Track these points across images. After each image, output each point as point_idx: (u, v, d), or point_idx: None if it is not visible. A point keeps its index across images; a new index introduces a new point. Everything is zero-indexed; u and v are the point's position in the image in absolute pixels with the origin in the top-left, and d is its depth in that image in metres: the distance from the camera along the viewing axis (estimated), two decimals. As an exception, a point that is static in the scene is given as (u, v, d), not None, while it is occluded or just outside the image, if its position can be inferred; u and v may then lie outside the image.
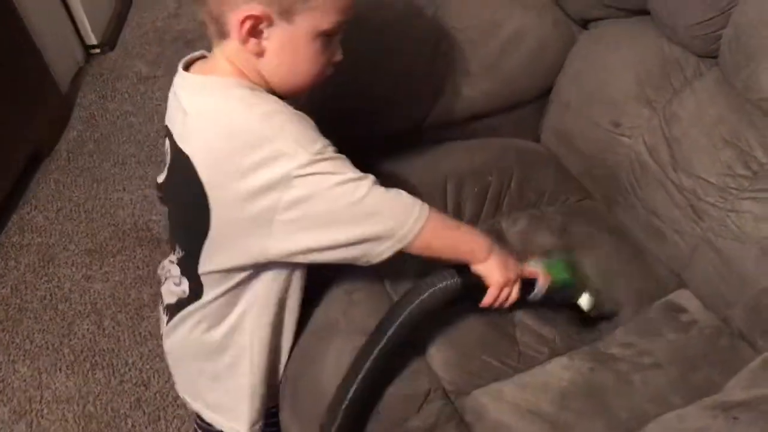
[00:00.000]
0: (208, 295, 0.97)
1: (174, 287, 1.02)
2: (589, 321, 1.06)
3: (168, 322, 1.06)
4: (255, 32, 0.82)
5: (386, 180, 1.14)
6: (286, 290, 0.97)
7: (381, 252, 0.86)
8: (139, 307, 1.74)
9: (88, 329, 1.71)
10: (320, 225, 0.84)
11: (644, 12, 1.22)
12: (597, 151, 1.25)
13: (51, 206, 2.00)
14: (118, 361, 1.65)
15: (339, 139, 1.28)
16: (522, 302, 0.97)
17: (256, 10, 0.79)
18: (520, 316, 1.06)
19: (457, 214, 1.22)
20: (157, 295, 1.76)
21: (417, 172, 1.27)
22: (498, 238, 1.19)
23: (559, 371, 1.01)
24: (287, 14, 0.81)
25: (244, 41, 0.82)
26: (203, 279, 0.96)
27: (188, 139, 0.87)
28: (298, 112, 0.86)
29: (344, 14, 0.84)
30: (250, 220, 0.84)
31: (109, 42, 2.48)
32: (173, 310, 1.04)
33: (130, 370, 1.63)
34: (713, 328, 1.06)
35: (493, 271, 0.92)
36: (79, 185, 2.06)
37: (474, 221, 1.22)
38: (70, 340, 1.70)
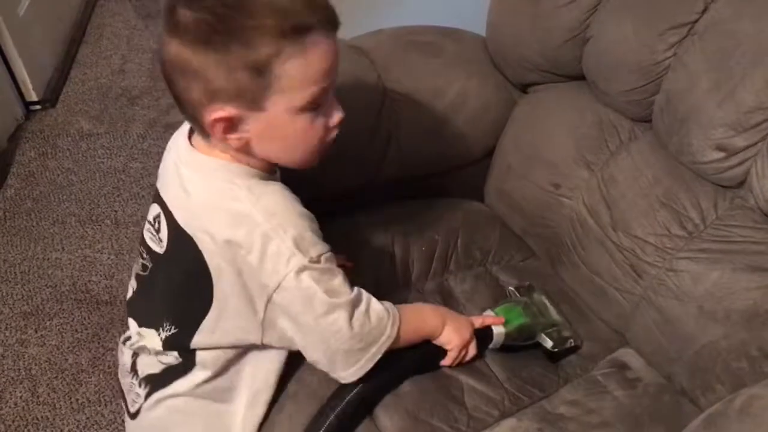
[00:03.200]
0: (206, 369, 0.96)
1: (154, 357, 0.99)
2: (555, 356, 1.10)
3: (148, 394, 1.01)
4: (231, 129, 0.81)
5: (336, 240, 1.15)
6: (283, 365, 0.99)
7: (353, 373, 0.90)
8: (76, 373, 1.68)
9: (21, 396, 1.63)
10: (299, 332, 0.87)
11: (581, 77, 1.27)
12: (539, 211, 1.28)
13: (-15, 266, 1.92)
14: (53, 430, 1.57)
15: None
16: (484, 352, 1.06)
17: (223, 111, 0.79)
18: (467, 379, 1.07)
19: (405, 273, 1.23)
20: (97, 360, 1.70)
21: (364, 231, 1.28)
22: (447, 295, 1.20)
23: (508, 433, 1.00)
24: (255, 104, 0.79)
25: (223, 140, 0.82)
26: (198, 353, 0.95)
27: (192, 221, 0.87)
28: (300, 209, 0.88)
29: (321, 82, 0.81)
30: (246, 305, 0.86)
31: (50, 98, 2.44)
32: (156, 380, 1.00)
33: (65, 439, 1.55)
34: (657, 386, 1.08)
35: (451, 339, 0.99)
36: (15, 245, 1.99)
37: (422, 279, 1.23)
38: (1, 408, 1.61)
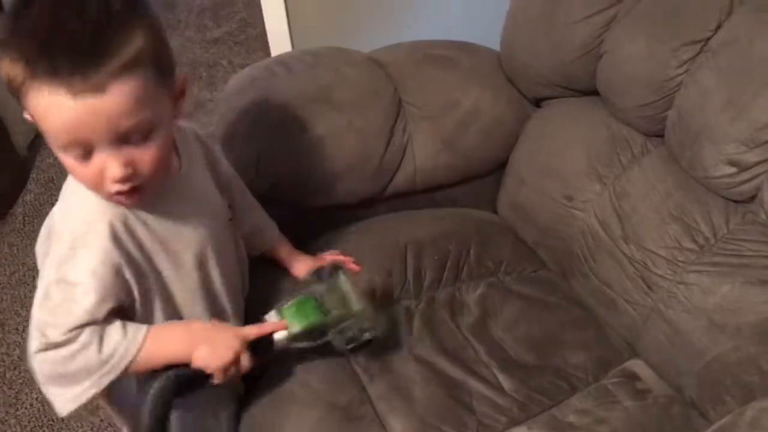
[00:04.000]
0: None
1: None
2: (354, 350, 1.05)
3: None
4: None
5: (348, 247, 1.16)
6: None
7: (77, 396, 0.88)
8: (91, 376, 1.70)
9: (37, 398, 1.65)
10: None
11: (594, 92, 1.29)
12: (551, 223, 1.30)
13: (4, 270, 1.95)
14: (67, 432, 1.59)
15: (301, 208, 1.32)
16: (267, 354, 0.98)
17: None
18: (476, 385, 1.08)
19: (418, 281, 1.25)
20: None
21: (378, 239, 1.30)
22: (458, 305, 1.22)
23: (519, 441, 1.02)
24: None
25: None
26: None
27: None
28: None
29: (64, 137, 0.74)
30: None
31: (70, 106, 2.48)
32: None
33: (79, 441, 1.57)
34: (667, 397, 1.09)
35: (206, 363, 0.92)
36: (34, 249, 2.02)
37: (434, 288, 1.25)
38: (17, 410, 1.64)
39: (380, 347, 1.11)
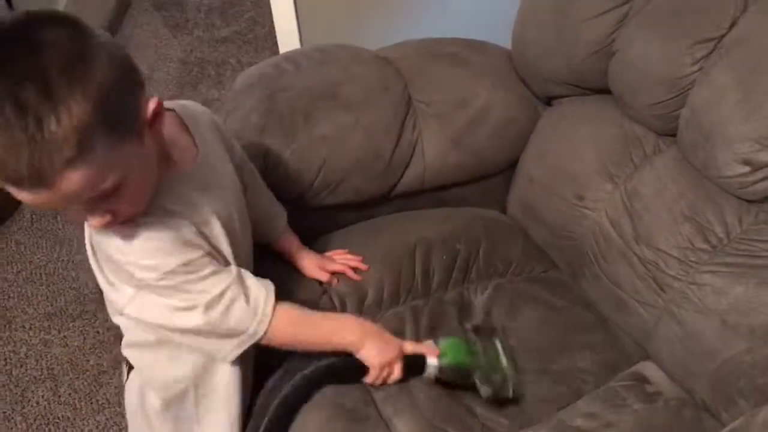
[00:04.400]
0: None
1: None
2: (490, 402, 1.05)
3: None
4: None
5: (357, 246, 1.16)
6: None
7: (228, 352, 0.93)
8: (98, 374, 1.69)
9: (43, 396, 1.65)
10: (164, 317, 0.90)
11: (606, 91, 1.27)
12: (562, 223, 1.28)
13: (11, 268, 1.95)
14: (73, 430, 1.59)
15: (309, 207, 1.31)
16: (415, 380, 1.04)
17: None
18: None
19: (426, 281, 1.24)
20: (118, 362, 1.72)
21: (387, 238, 1.29)
22: (466, 305, 1.21)
23: (525, 445, 1.00)
24: None
25: None
26: None
27: None
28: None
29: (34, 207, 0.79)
30: None
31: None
32: None
33: (85, 439, 1.57)
34: (678, 400, 1.07)
35: (370, 356, 0.99)
36: (41, 247, 2.02)
37: (443, 288, 1.24)
38: (23, 407, 1.63)
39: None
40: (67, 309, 1.85)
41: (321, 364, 0.99)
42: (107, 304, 0.99)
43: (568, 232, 1.27)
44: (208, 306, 0.88)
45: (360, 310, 1.18)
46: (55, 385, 1.67)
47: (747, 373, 0.99)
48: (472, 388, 1.03)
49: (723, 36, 1.07)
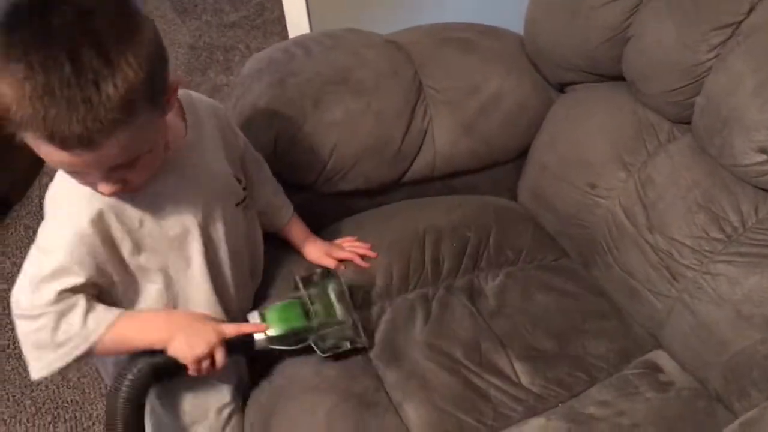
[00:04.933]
0: None
1: None
2: (333, 358, 1.05)
3: None
4: None
5: (366, 233, 1.14)
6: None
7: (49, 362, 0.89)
8: (105, 359, 1.70)
9: (51, 380, 1.66)
10: None
11: (620, 77, 1.26)
12: (574, 211, 1.27)
13: (21, 253, 1.95)
14: (81, 414, 1.59)
15: (318, 193, 1.30)
16: (249, 353, 1.02)
17: None
18: (489, 377, 1.06)
19: (436, 268, 1.23)
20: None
21: (396, 225, 1.28)
22: (476, 293, 1.20)
23: (537, 432, 1.00)
24: None
25: None
26: None
27: None
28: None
29: (55, 165, 0.79)
30: None
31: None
32: None
33: (93, 424, 1.57)
34: (690, 390, 1.07)
35: (183, 353, 0.93)
36: (50, 231, 2.02)
37: (452, 275, 1.23)
38: (32, 391, 1.64)
39: (394, 335, 1.10)
40: (75, 294, 1.85)
41: (142, 365, 0.93)
42: None
43: (580, 221, 1.26)
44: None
45: (368, 298, 1.18)
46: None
47: (760, 364, 0.98)
48: (307, 350, 1.02)
49: (741, 22, 1.05)
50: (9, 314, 1.76)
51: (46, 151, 0.74)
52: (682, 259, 1.09)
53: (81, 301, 0.88)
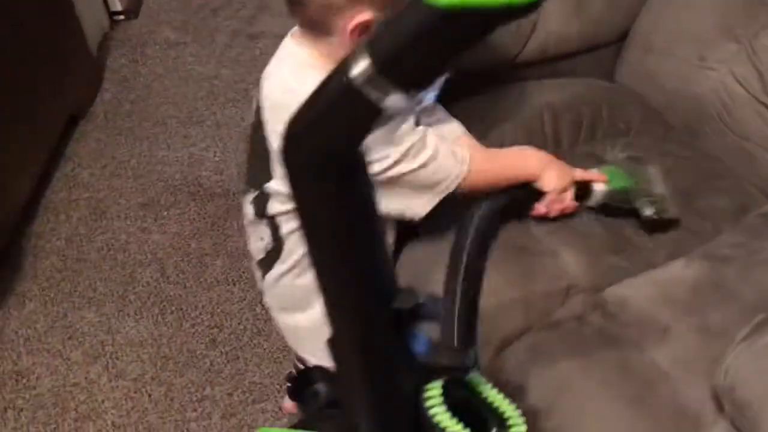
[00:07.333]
0: (288, 242, 1.03)
1: (259, 243, 1.08)
2: (653, 225, 1.13)
3: (263, 277, 1.12)
4: (364, 32, 0.87)
5: (485, 113, 1.20)
6: None
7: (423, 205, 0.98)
8: (201, 256, 1.75)
9: (152, 277, 1.71)
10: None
11: (727, -46, 1.32)
12: (681, 85, 1.34)
13: (95, 164, 1.98)
14: (187, 306, 1.65)
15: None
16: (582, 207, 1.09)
17: (366, 16, 0.86)
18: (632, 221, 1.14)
19: (556, 142, 1.30)
20: (219, 246, 1.78)
21: (513, 105, 1.35)
22: (599, 158, 1.27)
23: (682, 270, 1.08)
24: (388, 8, 0.86)
25: (352, 41, 0.88)
26: (276, 221, 1.03)
27: (265, 101, 0.99)
28: None
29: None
30: None
31: (133, 9, 2.48)
32: (264, 265, 1.10)
33: (200, 314, 1.64)
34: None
35: (550, 182, 1.03)
36: (121, 144, 2.05)
37: (573, 147, 1.30)
38: (134, 287, 1.69)
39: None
40: (159, 200, 1.89)
41: (498, 198, 0.98)
42: None
43: (689, 93, 1.33)
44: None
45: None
46: (162, 267, 1.73)
47: None
48: (634, 213, 1.10)
49: None
50: (97, 219, 1.81)
51: None
52: (801, 116, 1.18)
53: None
